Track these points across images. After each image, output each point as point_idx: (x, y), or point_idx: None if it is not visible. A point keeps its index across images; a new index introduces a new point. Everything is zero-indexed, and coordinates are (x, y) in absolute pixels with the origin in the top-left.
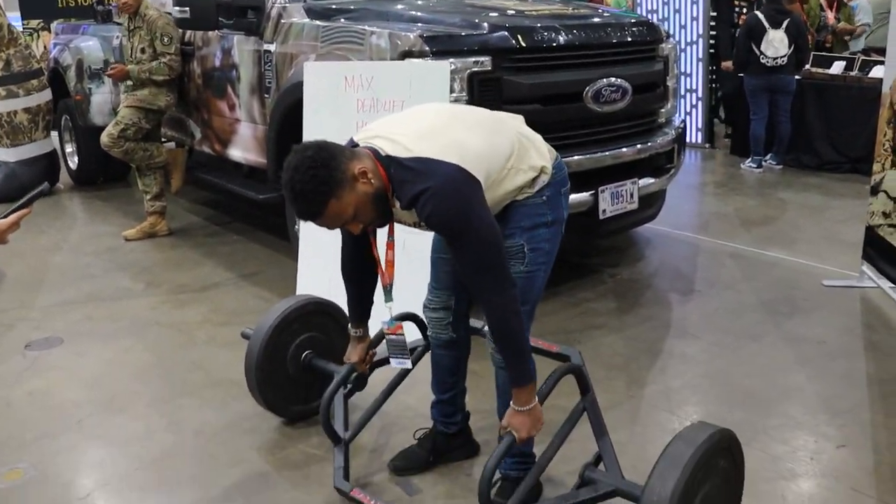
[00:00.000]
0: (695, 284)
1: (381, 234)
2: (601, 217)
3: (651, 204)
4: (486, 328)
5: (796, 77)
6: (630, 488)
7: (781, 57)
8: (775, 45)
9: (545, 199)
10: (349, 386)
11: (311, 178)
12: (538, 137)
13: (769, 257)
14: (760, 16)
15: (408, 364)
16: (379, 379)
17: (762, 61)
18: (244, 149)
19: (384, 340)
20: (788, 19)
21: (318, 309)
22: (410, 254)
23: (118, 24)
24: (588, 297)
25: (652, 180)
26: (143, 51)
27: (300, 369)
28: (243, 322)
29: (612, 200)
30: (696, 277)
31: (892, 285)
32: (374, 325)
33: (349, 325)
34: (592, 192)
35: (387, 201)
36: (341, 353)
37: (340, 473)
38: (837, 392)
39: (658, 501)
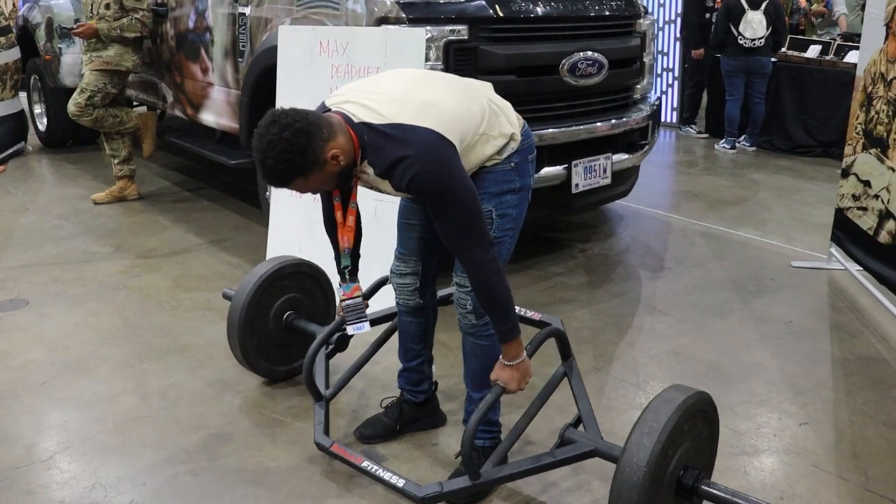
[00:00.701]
0: (665, 262)
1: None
2: (574, 191)
3: (624, 180)
4: (455, 295)
5: (772, 59)
6: (610, 449)
7: (759, 38)
8: (754, 26)
9: (513, 166)
10: (331, 346)
11: (283, 161)
12: (507, 105)
13: (739, 237)
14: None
15: (366, 328)
16: (361, 342)
17: (740, 42)
18: (217, 113)
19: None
20: (767, 1)
21: (301, 270)
22: (381, 220)
23: None
24: (558, 272)
25: (625, 156)
26: (107, 6)
27: (282, 330)
28: (212, 287)
29: (585, 175)
30: (667, 255)
31: (860, 268)
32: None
33: (338, 282)
34: (566, 165)
35: (351, 171)
36: (323, 314)
37: (321, 429)
38: (801, 370)
39: (637, 462)
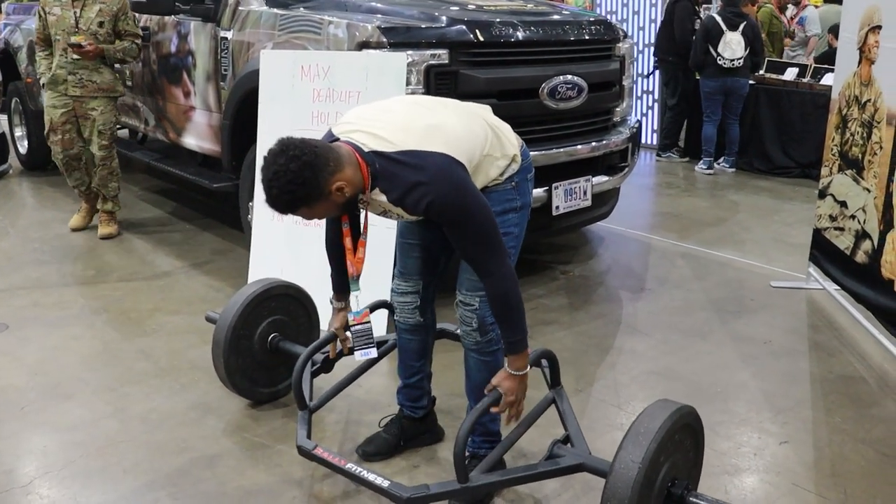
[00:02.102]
0: (646, 283)
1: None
2: (554, 213)
3: (604, 202)
4: (459, 313)
5: (750, 81)
6: (598, 464)
7: (738, 59)
8: (732, 46)
9: (514, 185)
10: (316, 365)
11: (288, 192)
12: (506, 126)
13: (719, 258)
14: (717, 18)
15: (373, 354)
16: (345, 365)
17: (719, 63)
18: (199, 137)
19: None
20: (745, 22)
21: (288, 293)
22: (381, 238)
23: None
24: (539, 294)
25: (605, 178)
26: (101, 24)
27: (267, 351)
28: (194, 311)
29: (566, 197)
30: (647, 276)
31: (838, 287)
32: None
33: (331, 298)
34: (546, 188)
35: (355, 201)
36: (308, 336)
37: (304, 433)
38: (781, 390)
39: (626, 476)
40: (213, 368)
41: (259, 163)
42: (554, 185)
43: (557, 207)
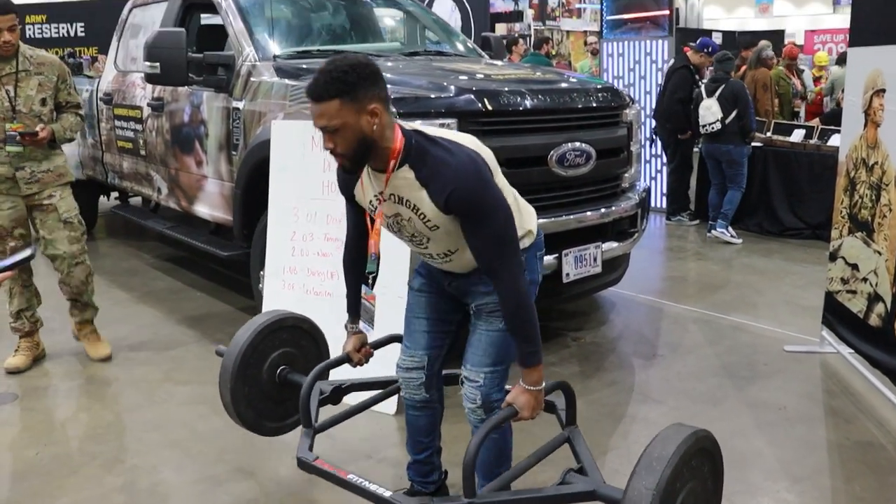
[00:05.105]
0: (658, 349)
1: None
2: (565, 280)
3: (615, 268)
4: (464, 390)
5: (755, 144)
6: (610, 492)
7: (710, 124)
8: (703, 112)
9: (523, 261)
10: (324, 394)
11: (333, 78)
12: (524, 201)
13: (731, 322)
14: (701, 86)
15: (371, 330)
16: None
17: (700, 129)
18: (210, 205)
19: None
20: (723, 87)
21: (299, 325)
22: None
23: (89, 76)
24: (551, 361)
25: (615, 244)
26: (43, 102)
27: (275, 384)
28: (204, 381)
29: (576, 264)
30: (659, 342)
31: (852, 351)
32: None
33: (346, 322)
34: (556, 255)
35: (367, 153)
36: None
37: (306, 446)
38: (798, 458)
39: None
40: (222, 441)
41: (270, 230)
42: (564, 252)
43: (568, 274)
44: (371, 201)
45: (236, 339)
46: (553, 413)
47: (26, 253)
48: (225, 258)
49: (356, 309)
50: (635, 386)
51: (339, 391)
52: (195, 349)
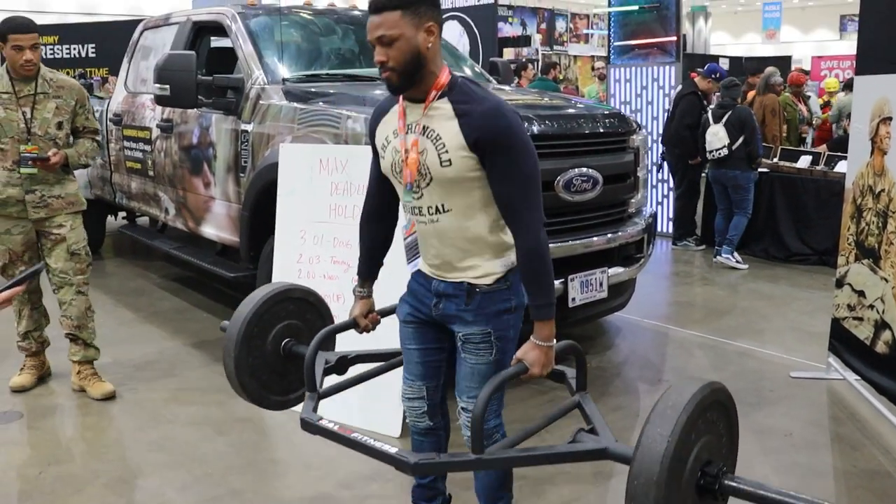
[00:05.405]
0: (663, 374)
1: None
2: (571, 305)
3: (621, 293)
4: (461, 420)
5: (761, 170)
6: (623, 450)
7: (717, 150)
8: (710, 138)
9: (508, 285)
10: (329, 363)
11: None
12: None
13: (737, 347)
14: (708, 112)
15: (417, 267)
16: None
17: (707, 155)
18: (218, 227)
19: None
20: (729, 113)
21: (305, 297)
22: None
23: (99, 97)
24: (556, 386)
25: (621, 269)
26: (59, 126)
27: (280, 356)
28: (209, 402)
29: (582, 289)
30: (665, 367)
31: (858, 377)
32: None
33: (354, 286)
34: (562, 280)
35: (416, 73)
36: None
37: (310, 408)
38: (804, 485)
39: (654, 451)
40: (226, 463)
41: (277, 252)
42: (570, 276)
43: (574, 299)
44: (387, 136)
45: (241, 307)
46: (562, 382)
47: (37, 267)
48: (231, 279)
49: (365, 271)
50: (640, 411)
51: (345, 361)
52: (200, 370)
